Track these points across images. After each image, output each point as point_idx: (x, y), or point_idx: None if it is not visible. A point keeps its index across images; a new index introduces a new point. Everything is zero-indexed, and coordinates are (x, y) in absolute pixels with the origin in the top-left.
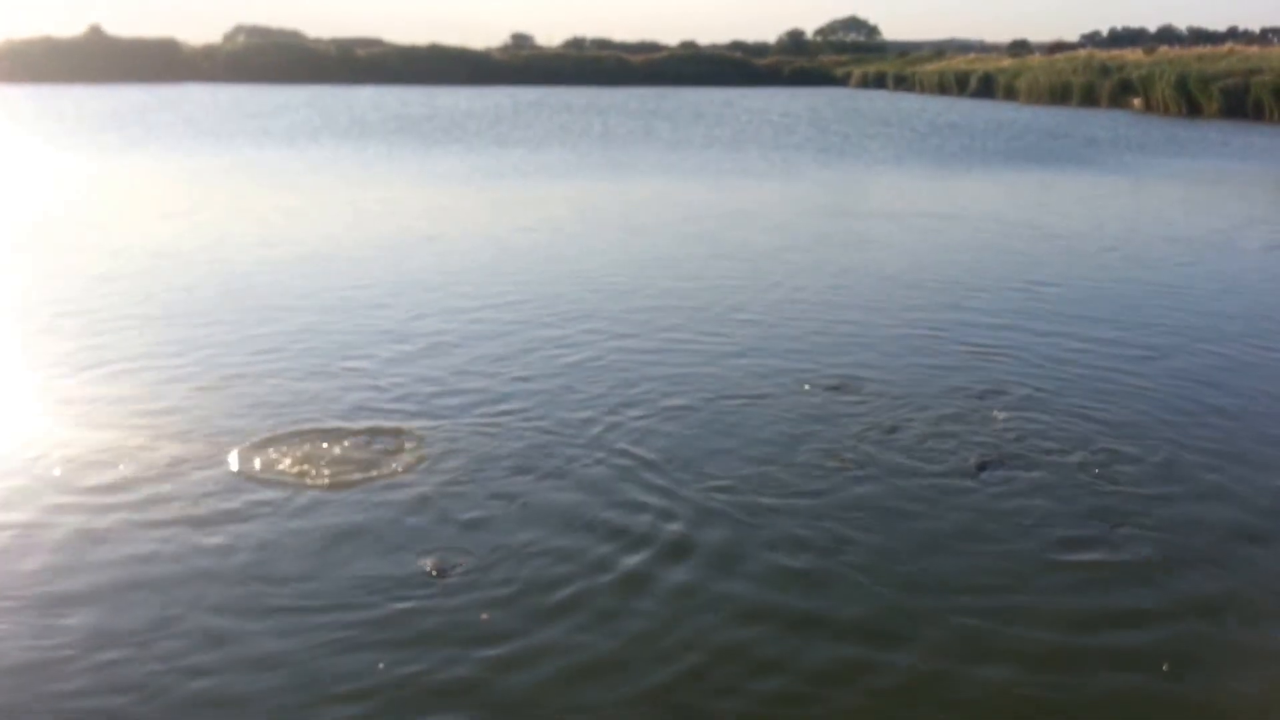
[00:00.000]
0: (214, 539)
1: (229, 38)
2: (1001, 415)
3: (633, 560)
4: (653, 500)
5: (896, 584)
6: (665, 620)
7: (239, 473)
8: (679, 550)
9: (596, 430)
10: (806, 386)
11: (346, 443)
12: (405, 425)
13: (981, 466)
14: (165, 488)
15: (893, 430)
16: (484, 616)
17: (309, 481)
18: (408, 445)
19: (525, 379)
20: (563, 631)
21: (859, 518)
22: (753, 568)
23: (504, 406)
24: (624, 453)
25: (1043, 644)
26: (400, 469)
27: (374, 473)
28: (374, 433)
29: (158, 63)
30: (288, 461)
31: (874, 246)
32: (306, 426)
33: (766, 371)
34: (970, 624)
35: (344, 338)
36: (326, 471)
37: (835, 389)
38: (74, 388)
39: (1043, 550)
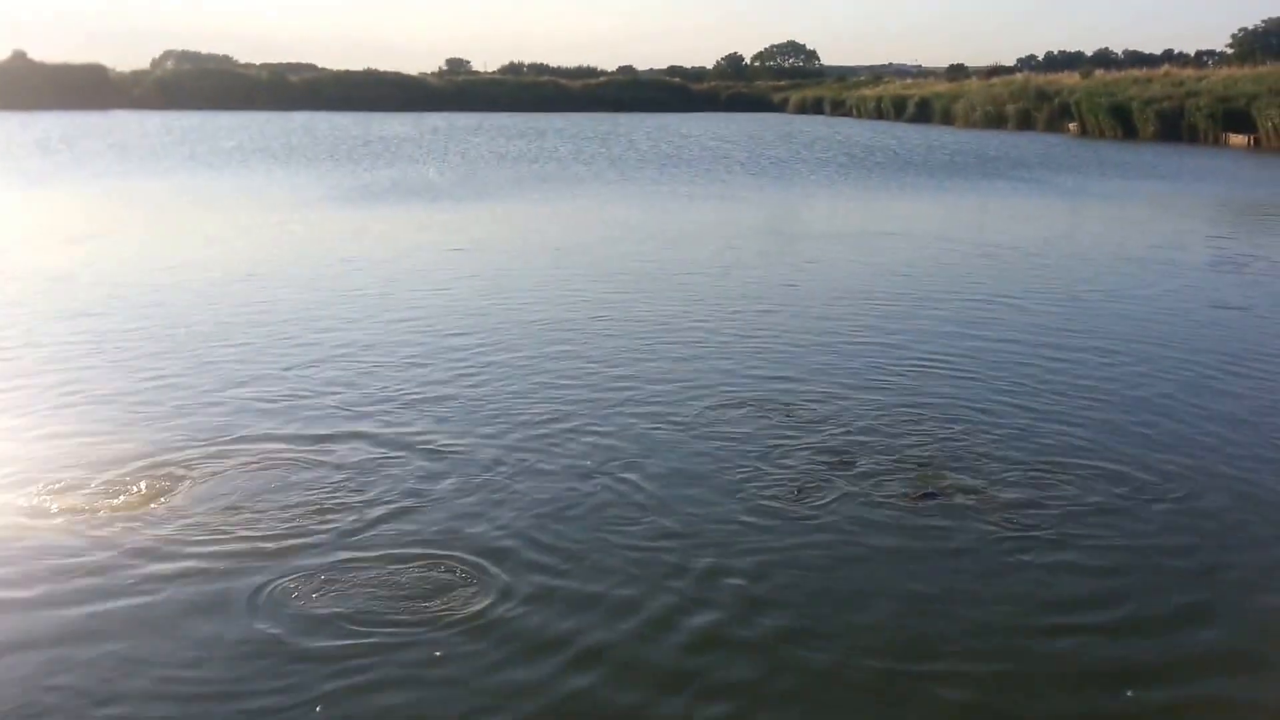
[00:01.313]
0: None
1: (158, 63)
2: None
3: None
4: (566, 541)
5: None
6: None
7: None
8: (592, 603)
9: (513, 454)
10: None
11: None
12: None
13: (926, 496)
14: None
15: (840, 456)
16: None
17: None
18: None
19: (444, 399)
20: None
21: (812, 565)
22: (679, 638)
23: (443, 439)
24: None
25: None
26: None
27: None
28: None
29: (86, 89)
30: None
31: (812, 266)
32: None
33: (698, 392)
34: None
35: (227, 365)
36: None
37: (782, 412)
38: None
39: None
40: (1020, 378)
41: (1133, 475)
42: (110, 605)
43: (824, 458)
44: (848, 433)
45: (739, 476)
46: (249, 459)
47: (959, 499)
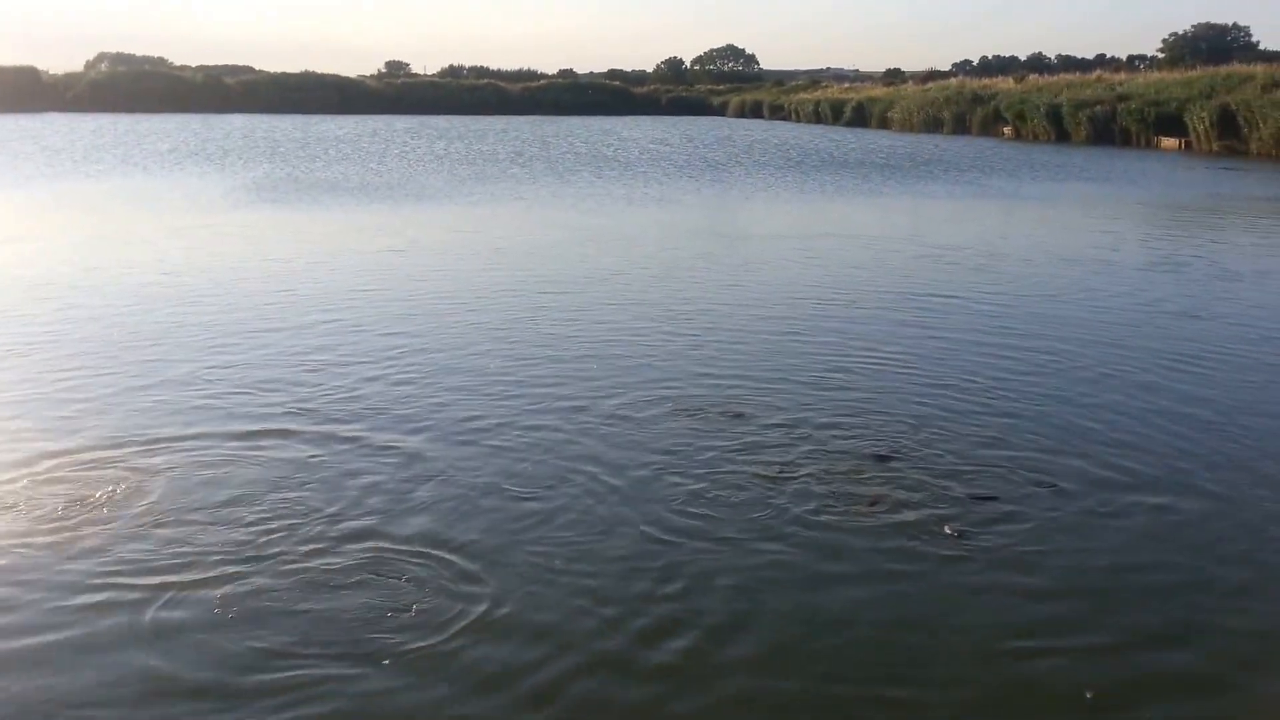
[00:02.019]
0: None
1: (92, 65)
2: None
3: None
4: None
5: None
6: None
7: None
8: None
9: (459, 462)
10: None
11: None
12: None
13: (877, 502)
14: None
15: (786, 467)
16: None
17: None
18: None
19: (378, 400)
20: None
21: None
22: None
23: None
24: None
25: None
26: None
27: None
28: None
29: (18, 91)
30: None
31: (753, 267)
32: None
33: (627, 392)
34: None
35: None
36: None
37: (734, 416)
38: None
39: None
40: (969, 379)
41: (1100, 481)
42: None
43: (768, 465)
44: (796, 438)
45: (682, 488)
46: (172, 460)
47: (909, 513)
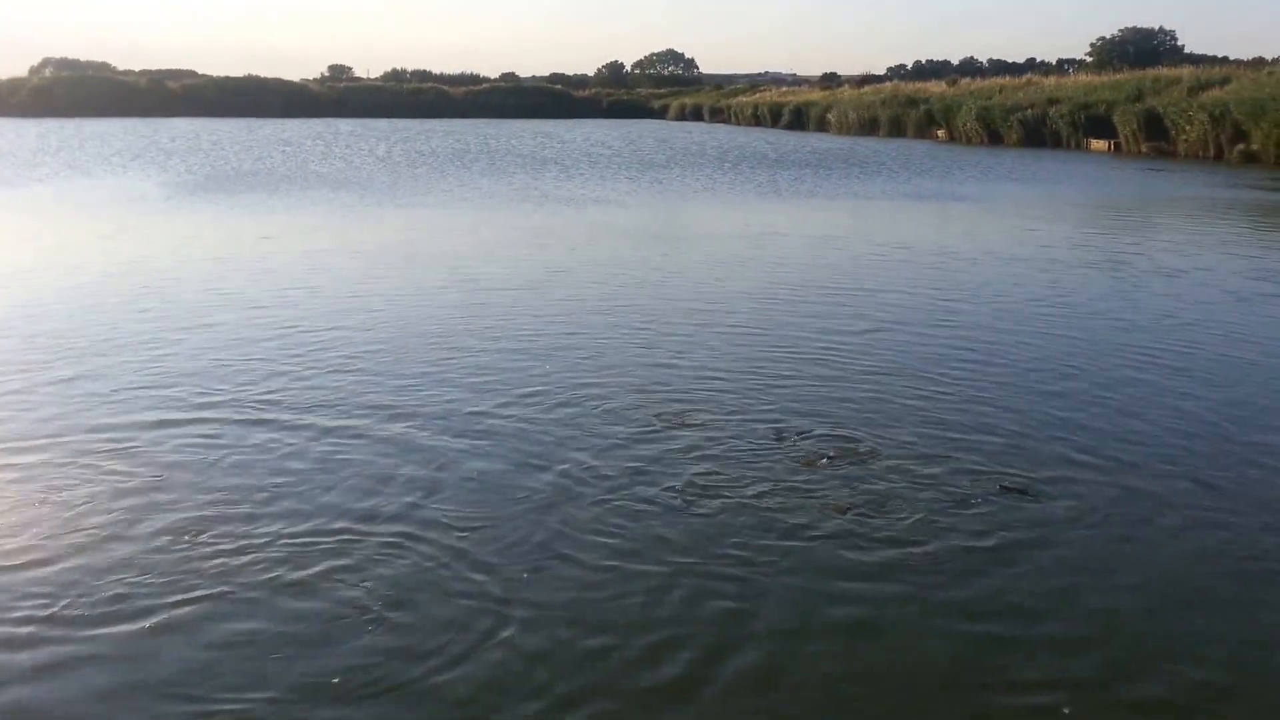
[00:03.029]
0: None
1: (36, 71)
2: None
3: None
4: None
5: None
6: None
7: None
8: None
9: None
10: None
11: None
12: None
13: (845, 510)
14: None
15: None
16: None
17: None
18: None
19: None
20: None
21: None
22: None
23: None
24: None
25: None
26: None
27: None
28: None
29: None
30: None
31: (693, 268)
32: None
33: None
34: None
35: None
36: None
37: (675, 423)
38: None
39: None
40: (921, 377)
41: (1071, 488)
42: None
43: (717, 470)
44: (749, 438)
45: (622, 496)
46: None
47: (878, 518)
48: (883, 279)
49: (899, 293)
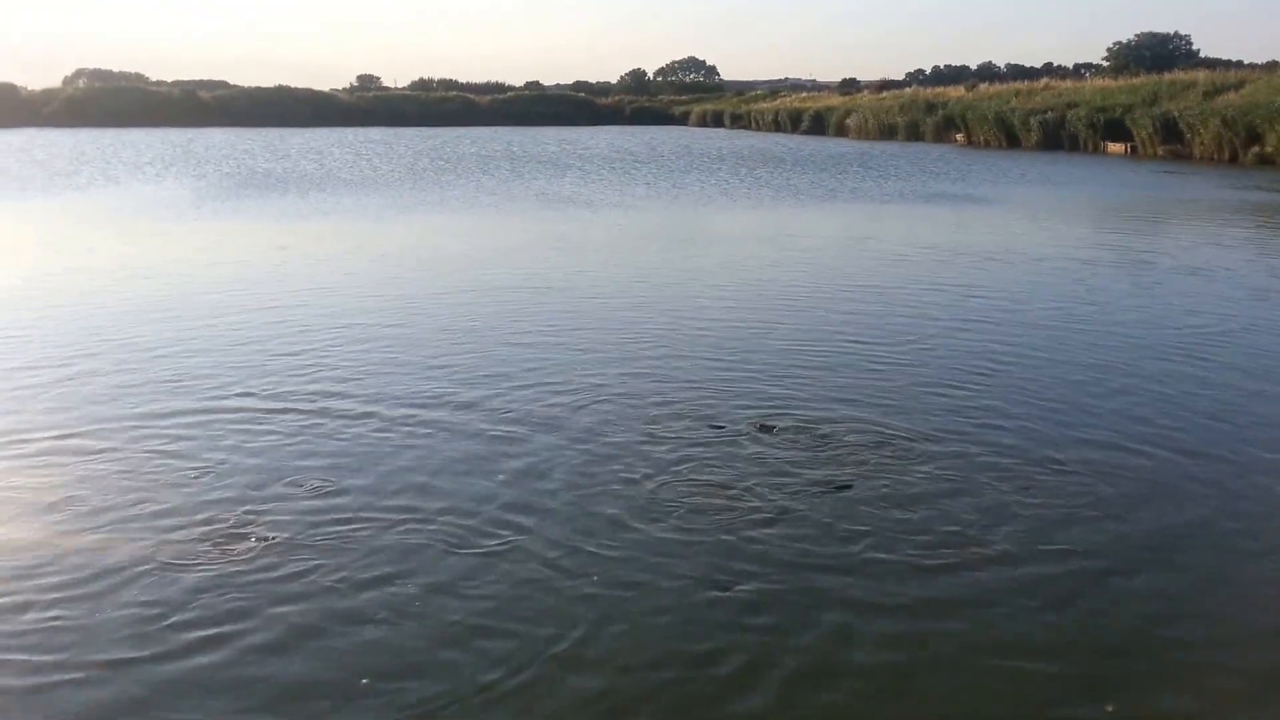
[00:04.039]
0: None
1: (69, 81)
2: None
3: None
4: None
5: None
6: None
7: None
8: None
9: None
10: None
11: None
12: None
13: (838, 486)
14: None
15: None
16: None
17: None
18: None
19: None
20: None
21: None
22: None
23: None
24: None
25: None
26: None
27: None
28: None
29: None
30: None
31: (720, 268)
32: None
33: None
34: None
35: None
36: None
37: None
38: None
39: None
40: (940, 376)
41: (1087, 488)
42: None
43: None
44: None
45: (609, 494)
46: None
47: (884, 510)
48: (914, 279)
49: (937, 290)
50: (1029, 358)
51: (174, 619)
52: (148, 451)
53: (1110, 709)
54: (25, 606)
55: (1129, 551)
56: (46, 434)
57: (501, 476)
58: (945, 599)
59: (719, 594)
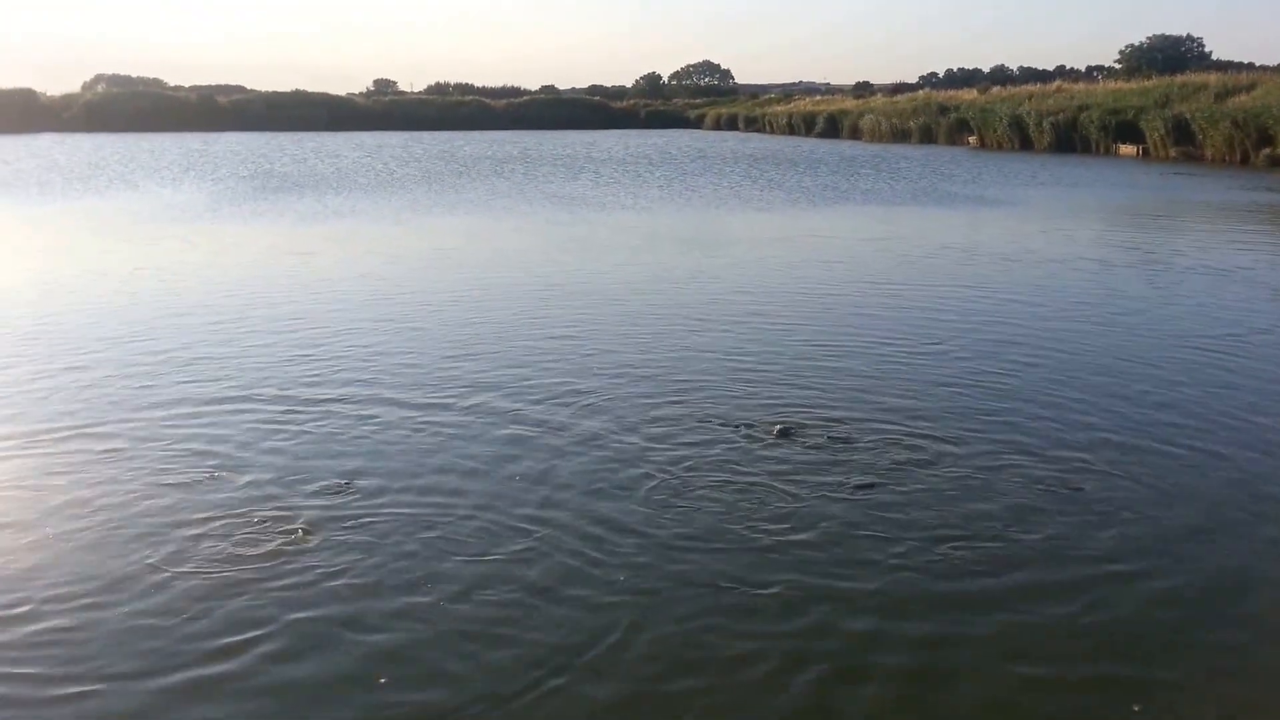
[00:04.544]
0: None
1: (88, 87)
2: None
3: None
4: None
5: None
6: None
7: None
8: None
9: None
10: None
11: None
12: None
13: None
14: None
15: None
16: None
17: None
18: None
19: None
20: None
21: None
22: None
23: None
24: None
25: None
26: None
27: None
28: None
29: (15, 113)
30: None
31: (738, 267)
32: None
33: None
34: None
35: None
36: None
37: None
38: None
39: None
40: (960, 376)
41: (1088, 492)
42: None
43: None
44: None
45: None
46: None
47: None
48: (930, 280)
49: (960, 294)
50: (1050, 358)
51: (190, 624)
52: (165, 452)
53: (1137, 709)
54: (38, 611)
55: (1158, 552)
56: (66, 433)
57: (521, 479)
58: (973, 601)
59: (746, 597)
